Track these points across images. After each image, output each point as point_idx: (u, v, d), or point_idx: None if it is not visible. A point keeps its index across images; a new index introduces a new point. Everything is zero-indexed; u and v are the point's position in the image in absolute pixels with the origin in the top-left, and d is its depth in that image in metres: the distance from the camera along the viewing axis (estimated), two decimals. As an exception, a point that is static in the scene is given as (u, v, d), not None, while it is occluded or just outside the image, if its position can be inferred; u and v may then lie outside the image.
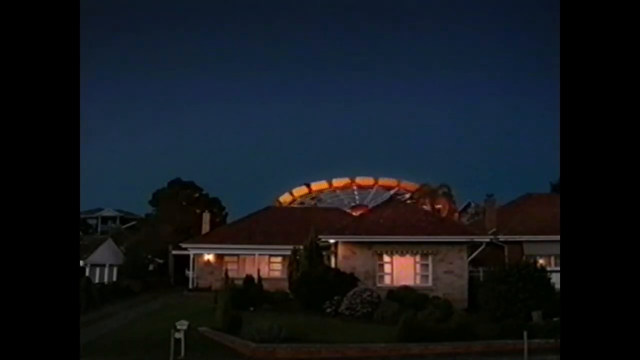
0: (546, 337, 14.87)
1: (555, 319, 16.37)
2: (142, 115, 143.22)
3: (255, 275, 26.22)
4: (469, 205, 60.50)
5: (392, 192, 71.31)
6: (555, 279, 19.14)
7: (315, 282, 22.41)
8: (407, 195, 70.21)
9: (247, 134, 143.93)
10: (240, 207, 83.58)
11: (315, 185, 72.13)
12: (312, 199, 71.48)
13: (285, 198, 69.76)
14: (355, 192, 72.57)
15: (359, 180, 72.34)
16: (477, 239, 25.74)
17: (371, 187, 72.24)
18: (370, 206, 70.42)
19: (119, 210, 69.64)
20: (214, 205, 55.16)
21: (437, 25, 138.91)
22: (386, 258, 25.23)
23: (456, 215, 62.48)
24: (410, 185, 71.08)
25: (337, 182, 72.74)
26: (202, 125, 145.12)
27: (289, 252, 27.39)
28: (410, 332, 15.41)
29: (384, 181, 72.04)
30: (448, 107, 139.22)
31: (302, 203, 70.31)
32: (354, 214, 67.16)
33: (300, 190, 71.25)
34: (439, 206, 63.34)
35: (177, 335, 14.02)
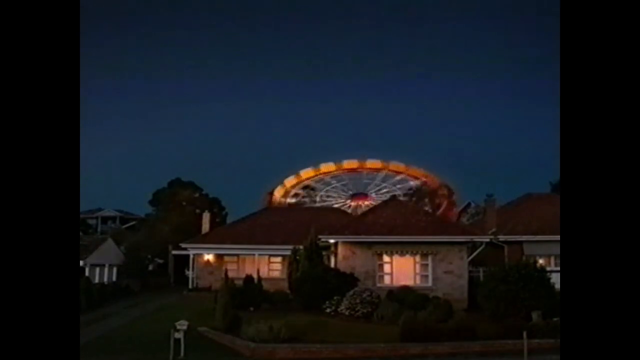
0: (546, 337, 14.88)
1: (555, 319, 16.37)
2: (142, 116, 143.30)
3: (255, 275, 26.19)
4: (469, 205, 60.54)
5: (381, 173, 70.74)
6: (555, 279, 19.14)
7: (315, 282, 22.39)
8: (398, 178, 69.77)
9: (246, 134, 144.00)
10: (240, 207, 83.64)
11: (304, 173, 71.56)
12: (304, 188, 70.91)
13: (278, 191, 69.41)
14: (344, 176, 72.04)
15: (346, 164, 71.75)
16: (477, 239, 25.73)
17: (358, 170, 71.71)
18: (363, 191, 70.05)
19: (119, 210, 69.66)
20: (214, 205, 55.16)
21: (438, 24, 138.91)
22: (386, 258, 25.21)
23: (454, 212, 62.51)
24: (399, 166, 70.50)
25: (325, 167, 72.15)
26: (201, 125, 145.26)
27: (289, 252, 27.39)
28: (410, 332, 15.41)
29: (371, 163, 71.42)
30: (447, 107, 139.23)
31: (295, 195, 69.90)
32: (354, 203, 67.15)
33: (290, 181, 70.74)
34: (438, 200, 63.26)
35: (177, 335, 14.03)
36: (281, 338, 14.91)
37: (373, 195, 69.03)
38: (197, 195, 56.94)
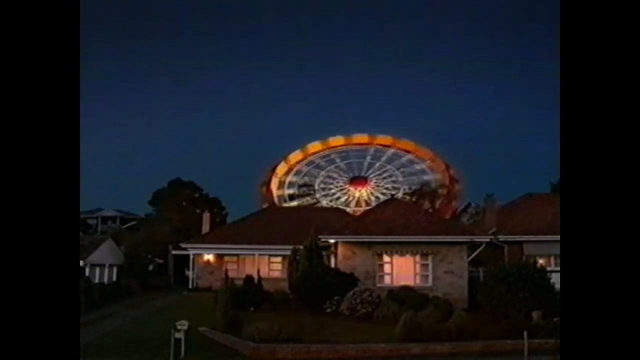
0: (546, 337, 14.88)
1: (555, 319, 16.36)
2: (143, 116, 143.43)
3: (255, 275, 26.20)
4: (469, 205, 60.60)
5: (390, 150, 69.93)
6: (555, 279, 19.14)
7: (315, 282, 22.39)
8: (405, 159, 69.07)
9: (246, 133, 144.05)
10: (240, 207, 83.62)
11: (293, 156, 70.77)
12: (295, 174, 70.09)
13: (281, 168, 68.67)
14: (351, 153, 71.13)
15: (356, 138, 70.83)
16: (477, 239, 25.72)
17: (344, 145, 71.06)
18: (366, 172, 69.43)
19: (119, 210, 69.72)
20: (214, 205, 55.21)
21: (438, 25, 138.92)
22: (386, 258, 25.20)
23: (453, 205, 62.32)
24: (408, 143, 69.81)
25: (334, 140, 71.26)
26: (201, 125, 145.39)
27: (289, 252, 27.36)
28: (410, 332, 15.40)
29: (357, 138, 70.57)
30: (448, 107, 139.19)
31: (298, 173, 69.16)
32: (352, 189, 66.75)
33: (281, 169, 69.96)
34: (439, 199, 63.11)
35: (178, 335, 14.02)
36: (281, 338, 14.91)
37: (373, 181, 68.42)
38: (197, 195, 56.98)
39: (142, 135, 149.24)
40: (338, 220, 33.98)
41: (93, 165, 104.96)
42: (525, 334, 13.73)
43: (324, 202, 66.37)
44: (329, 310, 21.03)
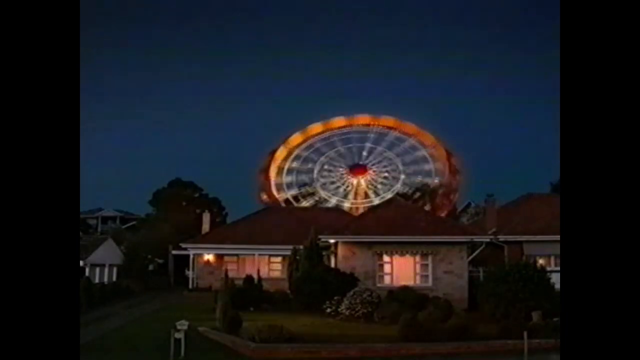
0: (546, 337, 14.88)
1: (555, 319, 16.37)
2: (143, 116, 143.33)
3: (255, 275, 26.23)
4: (469, 205, 60.55)
5: (392, 134, 68.95)
6: (555, 279, 19.14)
7: (315, 282, 22.41)
8: (406, 144, 68.00)
9: (246, 133, 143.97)
10: (240, 207, 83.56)
11: (293, 139, 68.95)
12: (294, 160, 69.12)
13: (280, 152, 67.94)
14: (352, 136, 69.72)
15: (358, 118, 69.42)
16: (477, 239, 25.72)
17: (346, 126, 70.05)
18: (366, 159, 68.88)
19: (119, 210, 69.71)
20: (214, 205, 55.20)
21: (437, 24, 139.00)
22: (386, 258, 25.21)
23: (451, 198, 62.00)
24: (388, 120, 68.18)
25: (335, 121, 69.89)
26: (202, 126, 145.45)
27: (289, 252, 27.40)
28: (410, 332, 15.40)
29: (359, 119, 69.27)
30: (447, 107, 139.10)
31: (296, 158, 68.13)
32: (351, 178, 66.46)
33: (281, 153, 68.41)
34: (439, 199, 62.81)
35: (177, 335, 14.02)
36: (281, 338, 14.90)
37: (372, 169, 67.90)
38: (197, 195, 56.99)
39: (143, 135, 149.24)
40: (338, 220, 34.01)
41: (93, 165, 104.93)
42: (525, 334, 13.73)
43: (323, 193, 65.77)
44: (329, 310, 21.03)
